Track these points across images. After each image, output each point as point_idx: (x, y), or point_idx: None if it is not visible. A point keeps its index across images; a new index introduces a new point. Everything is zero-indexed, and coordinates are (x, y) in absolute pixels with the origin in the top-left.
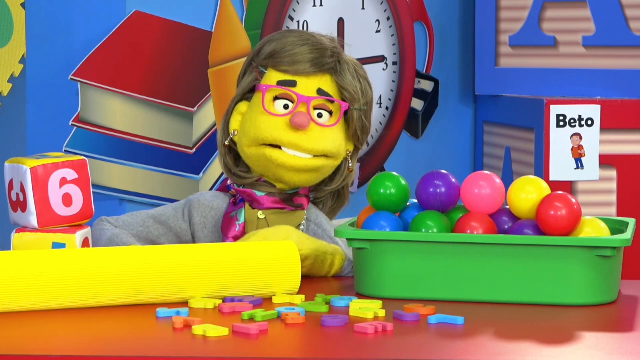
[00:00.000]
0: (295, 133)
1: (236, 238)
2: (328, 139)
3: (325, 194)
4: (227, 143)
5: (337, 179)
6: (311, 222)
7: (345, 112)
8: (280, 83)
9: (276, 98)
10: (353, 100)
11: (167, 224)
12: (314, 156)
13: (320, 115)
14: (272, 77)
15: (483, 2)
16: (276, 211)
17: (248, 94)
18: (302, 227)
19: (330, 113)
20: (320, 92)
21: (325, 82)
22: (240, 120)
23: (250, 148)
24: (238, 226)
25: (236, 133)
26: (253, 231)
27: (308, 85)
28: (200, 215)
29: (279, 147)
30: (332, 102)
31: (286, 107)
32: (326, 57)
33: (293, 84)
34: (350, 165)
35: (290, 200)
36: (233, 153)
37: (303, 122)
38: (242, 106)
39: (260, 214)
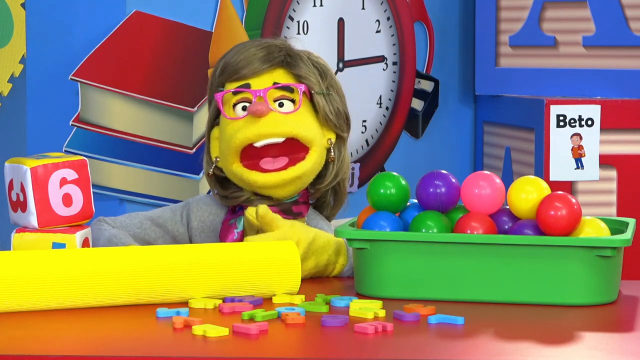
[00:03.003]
0: (258, 123)
1: None
2: (295, 122)
3: (321, 193)
4: (210, 172)
5: (328, 175)
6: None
7: (312, 101)
8: (235, 92)
9: (235, 105)
10: (312, 85)
11: (165, 227)
12: (289, 168)
13: (281, 105)
14: (228, 93)
15: (483, 2)
16: None
17: (217, 119)
18: None
19: (293, 102)
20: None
21: (280, 75)
22: (217, 146)
23: (233, 165)
24: (236, 234)
25: (219, 159)
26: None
27: (262, 83)
28: (198, 220)
29: (257, 168)
30: (291, 91)
31: (244, 108)
32: (274, 52)
33: (246, 86)
34: (333, 154)
35: (289, 209)
36: (220, 180)
37: (260, 108)
38: (215, 132)
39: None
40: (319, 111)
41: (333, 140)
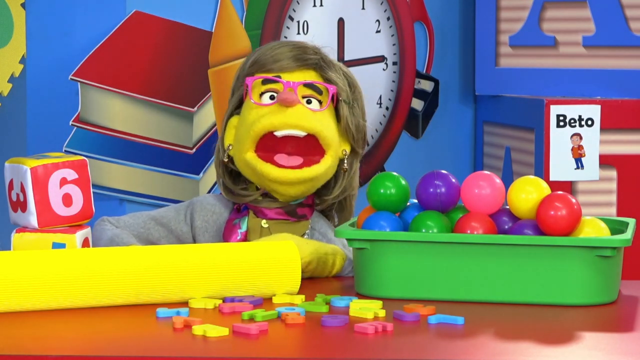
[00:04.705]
0: (285, 112)
1: None
2: (320, 121)
3: (327, 204)
4: (225, 159)
5: (336, 187)
6: (315, 230)
7: (337, 109)
8: (265, 81)
9: (262, 94)
10: (340, 91)
11: (168, 226)
12: (304, 168)
13: (309, 102)
14: (258, 81)
15: (483, 2)
16: (280, 221)
17: (238, 108)
18: (306, 236)
19: (320, 103)
20: (305, 84)
21: (310, 76)
22: (234, 134)
23: (247, 153)
24: (240, 234)
25: (231, 147)
26: (255, 240)
27: (293, 79)
28: (201, 219)
29: (271, 162)
30: (319, 92)
31: (272, 97)
32: (308, 53)
33: (277, 78)
34: (345, 165)
35: (293, 211)
36: (232, 173)
37: (290, 97)
38: (234, 120)
39: (264, 223)
40: (340, 120)
41: (348, 151)
